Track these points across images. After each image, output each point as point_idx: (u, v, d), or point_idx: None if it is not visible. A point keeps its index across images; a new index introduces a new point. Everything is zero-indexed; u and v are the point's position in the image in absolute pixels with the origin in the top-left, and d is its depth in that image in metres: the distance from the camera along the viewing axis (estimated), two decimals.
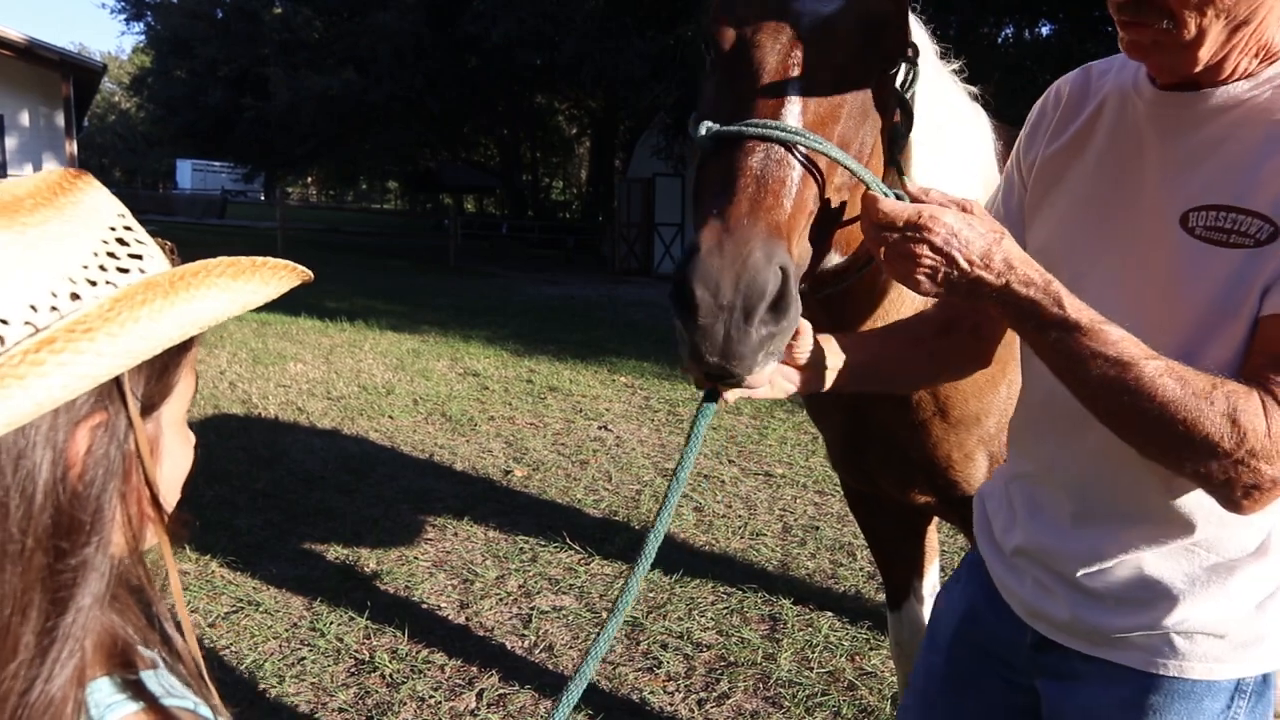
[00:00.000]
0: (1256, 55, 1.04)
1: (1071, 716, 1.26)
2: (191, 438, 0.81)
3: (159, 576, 0.74)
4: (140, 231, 0.72)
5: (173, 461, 0.76)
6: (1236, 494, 0.97)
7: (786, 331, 1.09)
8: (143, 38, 36.56)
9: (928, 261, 1.05)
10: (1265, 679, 1.18)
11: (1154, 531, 1.14)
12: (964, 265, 1.04)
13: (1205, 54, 1.01)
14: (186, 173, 45.25)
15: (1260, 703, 1.18)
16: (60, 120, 19.62)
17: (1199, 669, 1.14)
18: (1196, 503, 1.10)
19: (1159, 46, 1.01)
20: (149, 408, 0.71)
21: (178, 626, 0.76)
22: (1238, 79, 1.05)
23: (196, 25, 27.56)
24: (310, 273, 0.79)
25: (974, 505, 1.47)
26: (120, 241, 0.69)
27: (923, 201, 1.10)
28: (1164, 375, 0.96)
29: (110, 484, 0.67)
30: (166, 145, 38.49)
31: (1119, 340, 0.99)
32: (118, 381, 0.66)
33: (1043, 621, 1.26)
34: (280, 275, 0.75)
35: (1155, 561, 1.15)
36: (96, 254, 0.67)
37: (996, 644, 1.35)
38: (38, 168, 19.96)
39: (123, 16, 31.71)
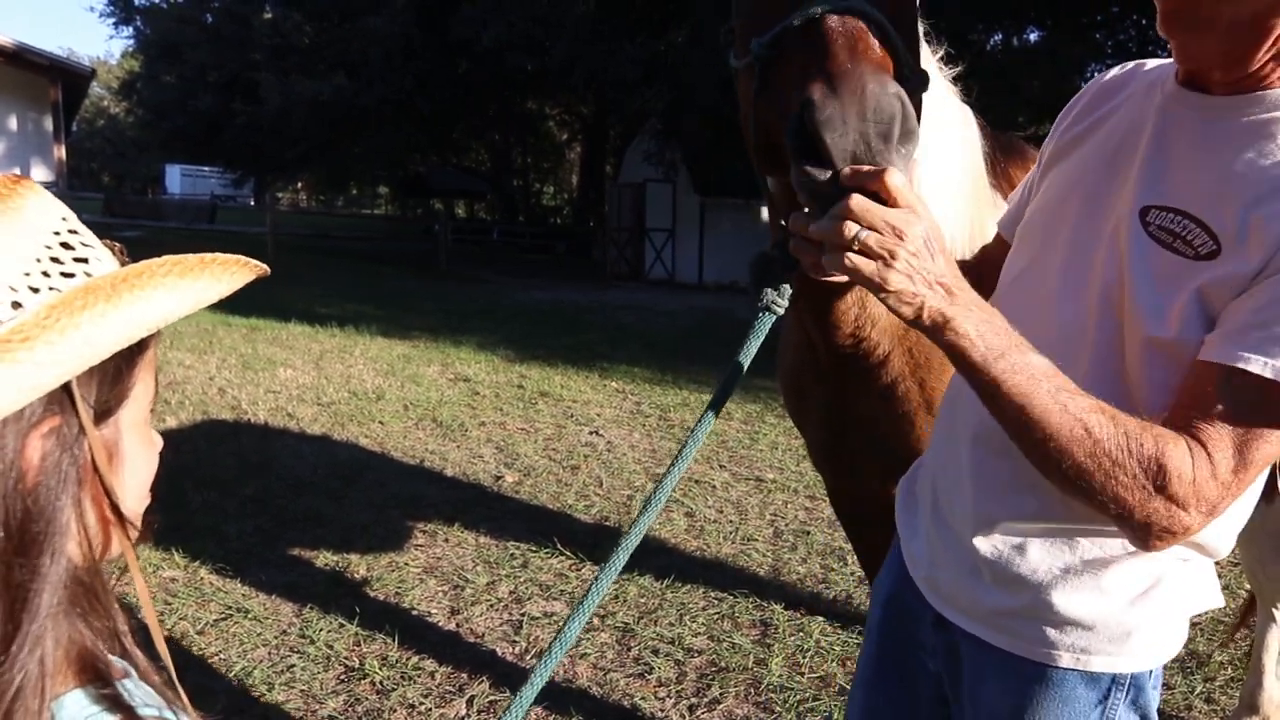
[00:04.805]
0: None
1: (956, 696, 1.30)
2: (157, 440, 0.78)
3: (132, 583, 0.72)
4: (86, 234, 0.70)
5: (135, 466, 0.73)
6: (1150, 535, 0.98)
7: (910, 156, 1.03)
8: (132, 42, 36.36)
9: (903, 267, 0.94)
10: (1147, 674, 1.18)
11: (1044, 512, 1.15)
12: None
13: (1264, 55, 0.97)
14: (175, 178, 44.99)
15: (1142, 695, 1.18)
16: (48, 125, 19.57)
17: (1066, 659, 1.15)
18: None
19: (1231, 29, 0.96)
20: (105, 413, 0.69)
21: (145, 633, 0.73)
22: (1264, 88, 1.01)
23: (186, 30, 27.42)
24: (265, 267, 0.76)
25: (905, 476, 1.48)
26: (65, 246, 0.67)
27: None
28: (1094, 413, 0.96)
29: (64, 493, 0.65)
30: (156, 150, 38.22)
31: (1046, 373, 0.97)
32: (66, 388, 0.64)
33: (931, 591, 1.29)
34: (232, 271, 0.73)
35: (1038, 547, 1.16)
36: (40, 260, 0.65)
37: (913, 623, 1.37)
38: (26, 173, 19.91)
39: (111, 20, 31.53)
